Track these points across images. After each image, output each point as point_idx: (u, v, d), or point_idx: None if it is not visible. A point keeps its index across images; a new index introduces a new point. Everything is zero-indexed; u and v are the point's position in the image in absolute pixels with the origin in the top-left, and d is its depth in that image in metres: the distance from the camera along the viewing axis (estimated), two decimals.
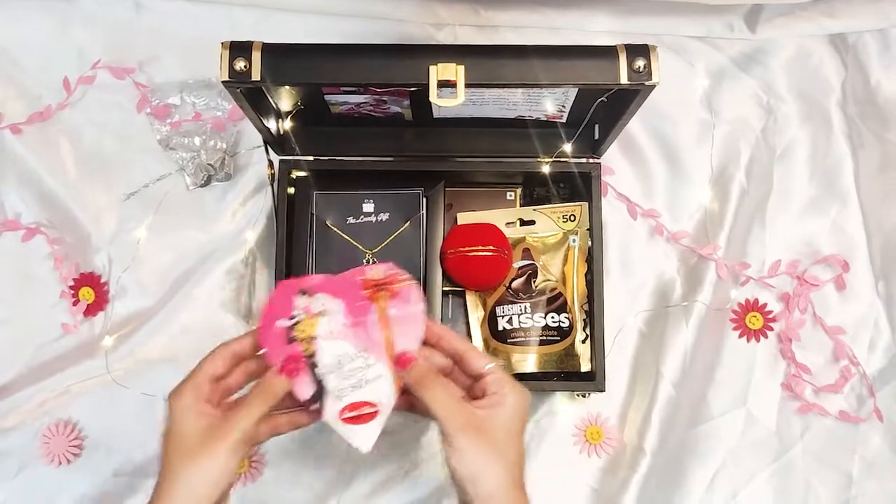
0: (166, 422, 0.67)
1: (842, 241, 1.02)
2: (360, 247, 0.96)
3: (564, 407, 0.99)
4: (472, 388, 0.71)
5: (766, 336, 0.99)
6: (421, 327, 0.72)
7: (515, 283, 0.96)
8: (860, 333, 1.00)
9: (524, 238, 0.98)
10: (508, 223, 0.98)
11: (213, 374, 0.68)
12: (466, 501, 0.65)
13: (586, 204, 0.97)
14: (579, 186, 0.98)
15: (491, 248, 0.94)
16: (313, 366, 0.71)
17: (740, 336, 1.00)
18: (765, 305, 1.00)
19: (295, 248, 0.95)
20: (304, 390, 0.71)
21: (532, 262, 0.97)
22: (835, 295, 1.01)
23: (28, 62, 1.03)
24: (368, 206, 0.96)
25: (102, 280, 1.00)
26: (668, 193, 1.03)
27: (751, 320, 0.99)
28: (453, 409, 0.66)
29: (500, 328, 0.96)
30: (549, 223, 0.98)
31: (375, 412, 0.71)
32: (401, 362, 0.68)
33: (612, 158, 1.03)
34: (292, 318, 0.72)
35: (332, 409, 0.71)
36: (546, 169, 0.96)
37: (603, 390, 0.93)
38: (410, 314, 0.72)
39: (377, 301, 0.72)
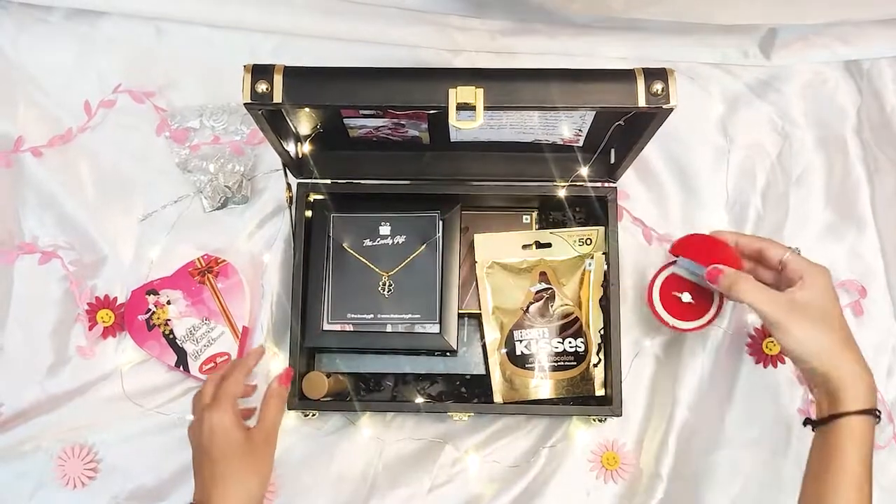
0: (207, 435, 0.77)
1: (859, 266, 1.02)
2: (377, 269, 0.96)
3: (581, 432, 0.98)
4: (778, 278, 0.84)
5: (783, 361, 0.99)
6: (242, 292, 0.98)
7: (533, 308, 0.96)
8: (878, 359, 1.00)
9: (541, 261, 0.98)
10: (525, 246, 0.98)
11: (241, 393, 0.81)
12: (806, 370, 0.78)
13: (602, 228, 0.97)
14: (595, 210, 0.99)
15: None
16: (173, 339, 0.97)
17: (756, 362, 0.99)
18: None
19: (312, 270, 0.96)
20: (170, 358, 0.97)
21: (549, 286, 0.97)
22: (852, 320, 1.00)
23: (50, 86, 1.05)
24: (385, 229, 0.97)
25: (119, 302, 1.00)
26: (684, 218, 1.03)
27: (767, 346, 0.99)
28: (771, 300, 0.79)
29: (518, 353, 0.96)
30: (565, 247, 0.98)
31: (227, 359, 0.97)
32: (709, 276, 0.84)
33: (628, 183, 1.03)
34: (147, 311, 0.97)
35: (194, 366, 0.97)
36: (562, 193, 0.96)
37: (620, 415, 0.93)
38: (233, 284, 0.98)
39: (206, 282, 0.97)
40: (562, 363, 0.95)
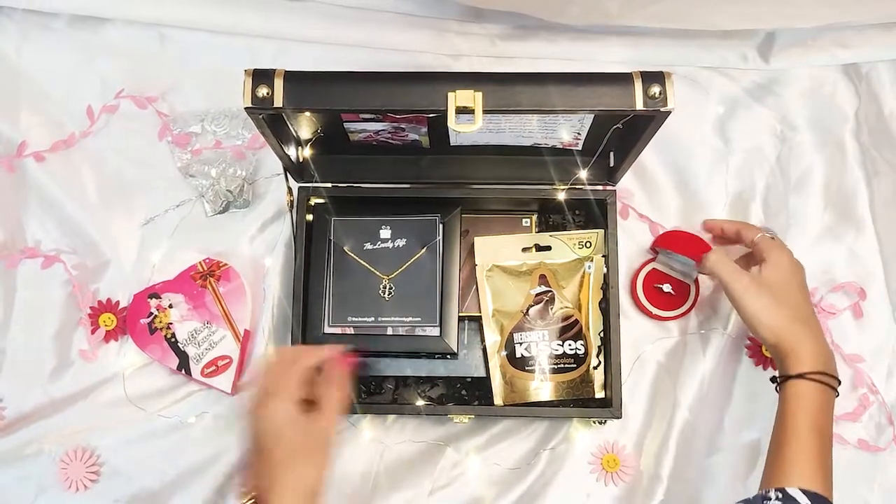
0: (269, 429, 0.73)
1: (858, 268, 1.02)
2: (377, 272, 0.96)
3: (581, 434, 0.98)
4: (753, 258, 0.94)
5: None
6: (244, 296, 0.98)
7: (533, 310, 0.97)
8: (878, 361, 1.00)
9: (540, 264, 0.98)
10: (524, 248, 0.99)
11: (306, 378, 0.77)
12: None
13: (602, 231, 0.97)
14: (595, 213, 0.99)
15: None
16: (175, 343, 0.98)
17: (756, 364, 1.00)
18: None
19: (312, 273, 0.96)
20: (172, 362, 0.97)
21: (549, 288, 0.97)
22: (852, 322, 1.01)
23: (53, 91, 1.06)
24: (385, 233, 0.97)
25: (121, 306, 1.01)
26: (684, 221, 1.04)
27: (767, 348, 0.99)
28: (736, 276, 0.88)
29: (519, 355, 0.96)
30: (564, 249, 0.98)
31: (229, 362, 0.97)
32: (698, 261, 0.94)
33: (628, 186, 1.04)
34: (149, 315, 0.97)
35: (196, 370, 0.97)
36: (562, 196, 0.97)
37: (620, 417, 0.93)
38: (235, 287, 0.99)
39: (208, 286, 0.98)
40: (562, 365, 0.96)
